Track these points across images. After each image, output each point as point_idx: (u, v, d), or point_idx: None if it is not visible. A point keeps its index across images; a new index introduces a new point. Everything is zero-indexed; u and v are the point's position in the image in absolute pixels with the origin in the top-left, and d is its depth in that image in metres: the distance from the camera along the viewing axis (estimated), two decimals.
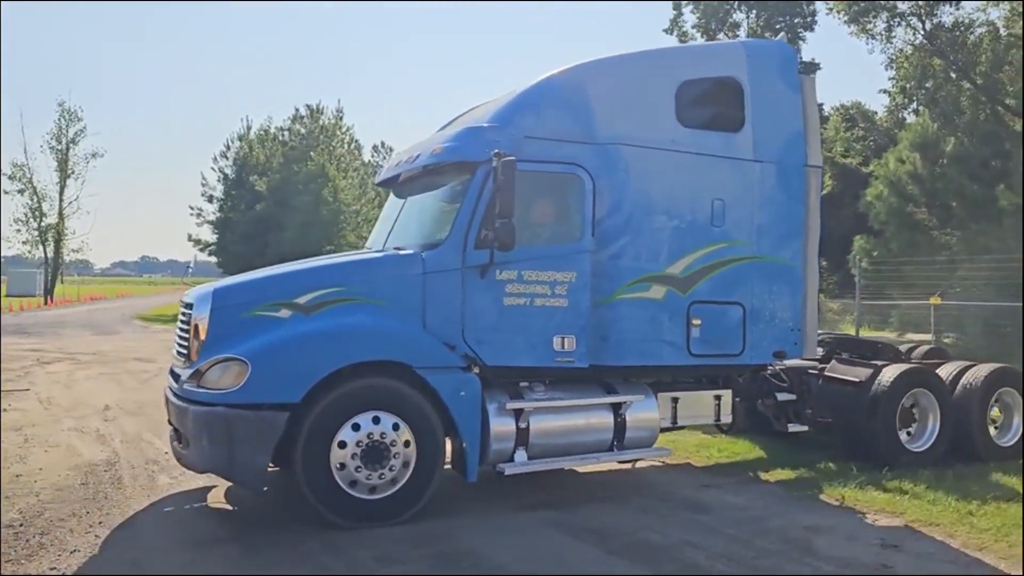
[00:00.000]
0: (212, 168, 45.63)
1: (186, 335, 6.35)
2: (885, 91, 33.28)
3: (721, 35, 42.22)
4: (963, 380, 8.54)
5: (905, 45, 29.46)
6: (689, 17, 42.86)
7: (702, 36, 42.54)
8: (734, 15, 42.55)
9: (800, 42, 41.61)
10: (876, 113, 48.01)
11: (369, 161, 63.67)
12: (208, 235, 44.84)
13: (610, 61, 7.37)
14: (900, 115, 36.02)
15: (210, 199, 44.69)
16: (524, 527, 6.09)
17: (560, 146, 6.75)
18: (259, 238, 38.04)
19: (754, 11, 42.06)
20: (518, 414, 6.51)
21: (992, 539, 5.90)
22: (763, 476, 7.84)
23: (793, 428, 8.35)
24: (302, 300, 6.08)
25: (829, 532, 6.04)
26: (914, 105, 31.54)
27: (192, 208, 45.37)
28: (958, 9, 28.01)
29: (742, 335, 7.51)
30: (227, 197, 44.34)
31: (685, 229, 7.24)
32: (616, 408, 6.99)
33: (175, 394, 6.19)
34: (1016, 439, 8.61)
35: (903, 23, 28.98)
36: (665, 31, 43.66)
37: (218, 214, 44.30)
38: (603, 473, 7.86)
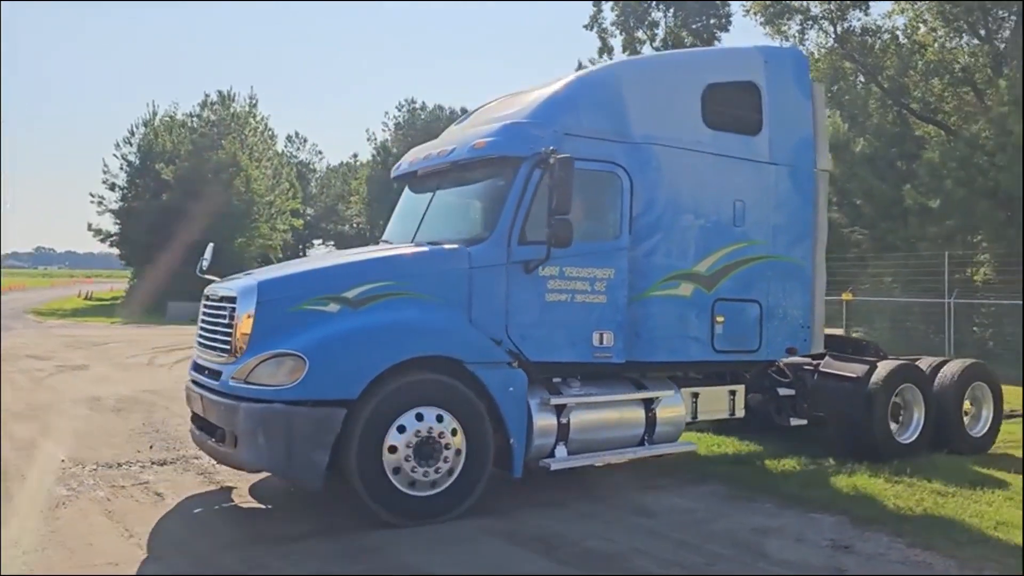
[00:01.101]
0: (114, 155, 43.40)
1: (222, 329, 6.17)
2: None
3: (640, 32, 42.74)
4: (940, 375, 8.90)
5: (817, 48, 30.32)
6: (609, 15, 43.07)
7: (621, 33, 42.96)
8: (652, 14, 43.04)
9: (716, 42, 42.44)
10: None
11: (283, 151, 61.76)
12: (110, 225, 42.64)
13: (642, 61, 7.88)
14: None
15: (112, 187, 42.46)
16: (466, 537, 5.69)
17: (598, 144, 6.79)
18: (165, 229, 36.27)
19: (672, 10, 42.60)
20: (559, 409, 6.55)
21: (940, 536, 5.84)
22: (705, 474, 7.69)
23: (795, 422, 8.53)
24: (350, 294, 5.97)
25: (778, 534, 5.87)
26: None
27: (93, 196, 42.98)
28: (867, 14, 28.94)
29: (759, 332, 7.75)
30: (130, 186, 42.24)
31: (710, 228, 7.42)
32: (647, 404, 7.11)
33: (214, 391, 6.03)
34: (985, 430, 9.09)
35: (816, 26, 29.83)
36: (585, 27, 43.91)
37: (121, 203, 42.13)
38: (542, 477, 7.55)
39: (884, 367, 8.33)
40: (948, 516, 6.35)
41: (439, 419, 5.89)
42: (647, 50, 42.87)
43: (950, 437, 8.70)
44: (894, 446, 8.21)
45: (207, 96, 45.23)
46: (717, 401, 7.83)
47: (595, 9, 43.43)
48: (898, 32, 28.79)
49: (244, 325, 5.89)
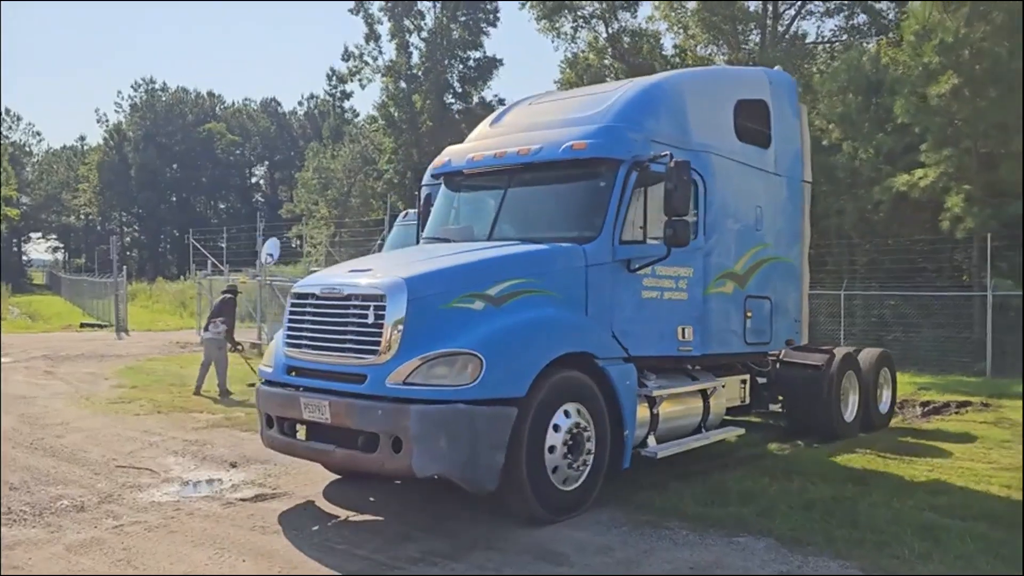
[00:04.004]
0: None
1: (362, 329, 5.78)
2: None
3: (407, 21, 41.58)
4: (862, 363, 10.05)
5: (588, 48, 31.02)
6: (376, 1, 41.52)
7: (389, 19, 41.58)
8: (419, 3, 42.04)
9: (484, 36, 42.42)
10: None
11: None
12: None
13: (696, 74, 8.53)
14: None
15: None
16: None
17: (674, 151, 6.72)
18: None
19: (439, 3, 41.86)
20: (650, 401, 6.74)
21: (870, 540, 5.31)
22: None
23: (773, 407, 9.32)
24: (493, 291, 5.91)
25: (721, 568, 5.01)
26: None
27: None
28: (635, 17, 30.02)
29: (770, 325, 8.41)
30: None
31: (743, 231, 7.98)
32: (704, 394, 7.53)
33: (357, 395, 5.68)
34: (888, 407, 10.60)
35: (588, 26, 30.48)
36: (351, 11, 42.04)
37: None
38: (415, 514, 6.17)
39: (838, 355, 9.47)
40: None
41: (579, 413, 5.99)
42: (415, 40, 41.99)
43: (868, 415, 9.97)
44: (844, 425, 9.45)
45: None
46: (735, 390, 8.30)
47: None
48: (661, 36, 30.28)
49: (395, 324, 5.62)
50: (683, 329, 7.18)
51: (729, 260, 7.73)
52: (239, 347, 13.49)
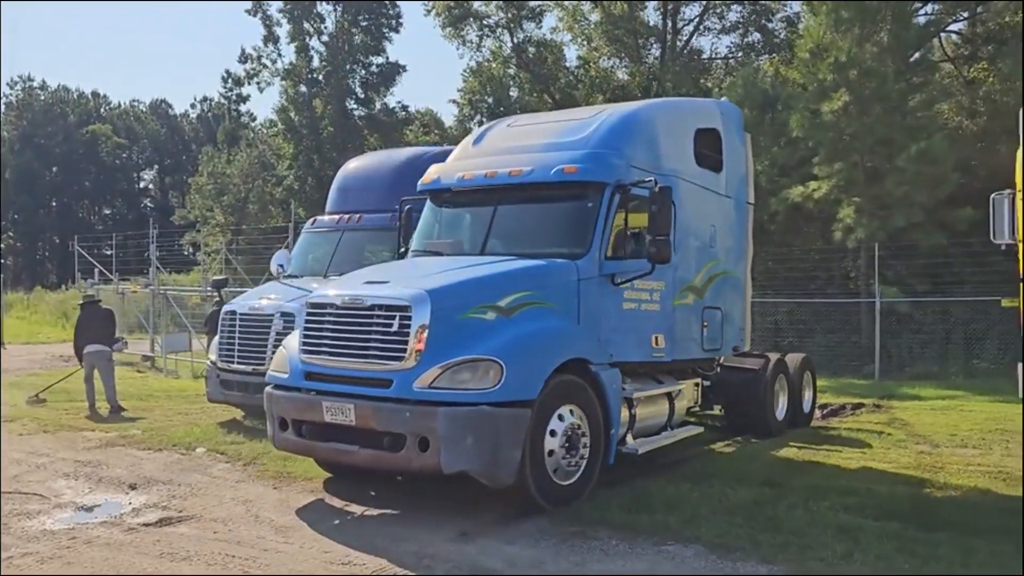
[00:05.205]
0: None
1: (388, 337, 6.23)
2: (454, 101, 34.62)
3: (307, 24, 40.66)
4: (789, 365, 10.80)
5: (493, 57, 31.11)
6: (275, 2, 40.45)
7: (288, 22, 40.53)
8: (319, 6, 41.17)
9: (386, 42, 41.93)
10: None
11: None
12: None
13: (664, 104, 9.60)
14: (467, 125, 37.80)
15: None
16: None
17: (648, 175, 7.33)
18: None
19: (340, 6, 41.12)
20: (629, 403, 7.30)
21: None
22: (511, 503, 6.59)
23: (716, 409, 10.16)
24: (503, 303, 6.45)
25: None
26: (478, 117, 33.35)
27: None
28: (540, 28, 30.30)
29: (721, 333, 9.11)
30: None
31: (701, 248, 8.69)
32: (670, 396, 8.15)
33: (383, 399, 6.14)
34: (810, 408, 11.41)
35: (493, 35, 30.56)
36: (248, 12, 40.84)
37: None
38: (340, 535, 5.91)
39: (773, 360, 10.28)
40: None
41: (572, 414, 6.47)
42: (315, 43, 41.10)
43: (794, 414, 10.76)
44: (776, 423, 10.26)
45: None
46: (691, 393, 8.92)
47: None
48: (564, 47, 30.69)
49: (421, 332, 6.09)
50: (656, 337, 7.80)
51: (690, 274, 8.41)
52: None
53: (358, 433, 6.27)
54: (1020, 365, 7.40)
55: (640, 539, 5.75)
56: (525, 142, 8.04)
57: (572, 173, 7.20)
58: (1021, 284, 7.33)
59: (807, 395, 11.37)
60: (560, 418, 6.38)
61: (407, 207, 8.73)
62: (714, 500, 6.66)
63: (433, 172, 8.17)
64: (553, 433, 6.32)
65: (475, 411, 5.89)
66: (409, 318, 6.16)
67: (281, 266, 9.87)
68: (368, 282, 6.90)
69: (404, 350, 6.14)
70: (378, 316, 6.34)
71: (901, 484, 7.51)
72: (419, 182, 8.27)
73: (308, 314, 6.85)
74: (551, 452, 6.30)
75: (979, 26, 21.39)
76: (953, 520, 6.15)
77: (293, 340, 7.11)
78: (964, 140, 18.91)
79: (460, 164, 8.16)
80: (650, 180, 7.14)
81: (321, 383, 6.57)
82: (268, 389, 7.10)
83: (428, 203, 8.28)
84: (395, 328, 6.20)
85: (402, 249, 8.55)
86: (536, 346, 6.39)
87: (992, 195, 7.04)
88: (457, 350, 6.07)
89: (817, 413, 12.33)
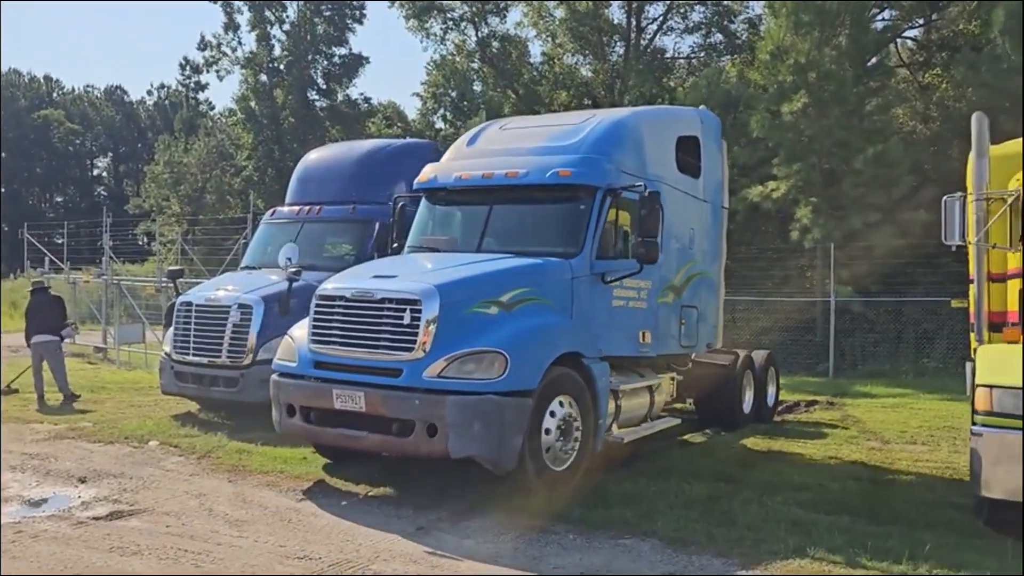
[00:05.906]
0: None
1: (398, 328, 6.49)
2: (417, 95, 34.38)
3: (268, 12, 40.05)
4: (755, 361, 11.21)
5: (457, 51, 30.95)
6: None
7: (249, 9, 39.89)
8: None
9: (350, 33, 41.49)
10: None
11: None
12: None
13: (650, 112, 9.98)
14: (430, 119, 37.56)
15: None
16: None
17: (636, 179, 7.70)
18: None
19: None
20: (615, 394, 7.56)
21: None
22: (463, 497, 6.59)
23: (688, 402, 10.64)
24: (504, 298, 6.78)
25: (619, 571, 5.02)
26: (441, 111, 33.20)
27: None
28: (504, 23, 30.23)
29: (697, 330, 9.47)
30: None
31: (681, 250, 9.07)
32: (650, 389, 8.44)
33: (394, 387, 6.39)
34: (773, 402, 11.84)
35: (457, 28, 30.41)
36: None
37: None
38: (303, 532, 5.84)
39: (742, 356, 10.81)
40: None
41: (567, 404, 6.75)
42: (277, 32, 40.53)
43: (759, 408, 11.18)
44: (743, 416, 10.74)
45: None
46: (668, 387, 9.17)
47: None
48: (528, 43, 30.65)
49: (430, 325, 6.39)
50: (643, 332, 8.15)
51: (671, 274, 8.78)
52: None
53: (367, 419, 6.54)
54: (968, 364, 7.58)
55: (597, 533, 5.81)
56: (519, 145, 8.34)
57: (566, 176, 7.51)
58: (970, 285, 7.51)
59: (771, 390, 11.77)
60: (557, 407, 6.66)
61: (400, 204, 8.99)
62: (671, 495, 6.75)
63: (429, 171, 8.42)
64: (551, 418, 6.60)
65: (482, 399, 6.18)
66: (419, 311, 6.46)
67: (289, 259, 9.89)
68: (376, 276, 7.13)
69: (414, 341, 6.43)
70: (388, 309, 6.62)
71: (852, 479, 7.68)
72: (415, 180, 8.47)
73: (317, 306, 7.04)
74: (548, 439, 6.57)
75: (934, 33, 21.89)
76: (902, 514, 6.32)
77: (299, 330, 7.33)
78: (918, 144, 19.33)
79: (456, 164, 8.39)
80: (640, 185, 7.46)
81: (330, 372, 6.83)
82: (275, 377, 7.31)
83: (424, 201, 8.48)
84: (405, 320, 6.49)
85: (395, 244, 8.78)
86: (536, 339, 6.68)
87: (944, 198, 7.19)
88: (463, 342, 6.38)
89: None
